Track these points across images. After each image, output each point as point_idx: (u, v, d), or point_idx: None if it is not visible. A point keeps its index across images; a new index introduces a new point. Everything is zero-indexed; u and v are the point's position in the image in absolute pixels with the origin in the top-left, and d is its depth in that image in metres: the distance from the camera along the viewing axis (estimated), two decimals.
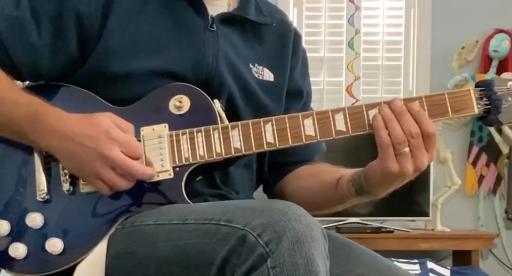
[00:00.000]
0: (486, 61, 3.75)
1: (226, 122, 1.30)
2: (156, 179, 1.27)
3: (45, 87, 1.37)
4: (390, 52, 3.87)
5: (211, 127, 1.29)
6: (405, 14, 3.85)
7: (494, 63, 3.73)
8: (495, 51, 3.71)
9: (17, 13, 1.32)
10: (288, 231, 1.08)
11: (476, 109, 1.28)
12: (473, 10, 3.78)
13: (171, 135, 1.29)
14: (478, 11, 3.77)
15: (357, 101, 3.74)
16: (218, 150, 1.28)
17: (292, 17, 3.79)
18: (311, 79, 1.61)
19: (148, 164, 1.28)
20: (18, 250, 1.28)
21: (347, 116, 1.27)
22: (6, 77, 1.33)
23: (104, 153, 1.22)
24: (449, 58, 3.73)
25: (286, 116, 1.29)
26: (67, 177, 1.29)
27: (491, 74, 3.69)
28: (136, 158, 1.24)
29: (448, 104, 1.27)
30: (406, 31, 3.85)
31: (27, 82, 1.41)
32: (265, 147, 1.28)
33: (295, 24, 1.60)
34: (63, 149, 1.25)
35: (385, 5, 3.86)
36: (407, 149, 1.23)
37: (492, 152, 3.73)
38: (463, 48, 3.73)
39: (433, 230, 3.59)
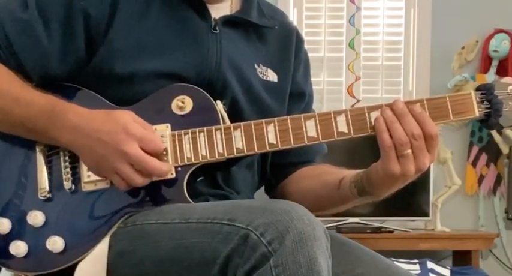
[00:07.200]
0: (486, 61, 3.75)
1: (228, 122, 1.30)
2: (158, 178, 1.28)
3: (46, 88, 1.35)
4: (390, 52, 3.87)
5: (213, 127, 1.29)
6: (405, 14, 3.86)
7: (494, 63, 3.73)
8: (495, 51, 3.71)
9: (25, 16, 1.31)
10: (291, 230, 1.08)
11: (477, 112, 1.28)
12: (473, 10, 3.78)
13: (173, 135, 1.29)
14: (478, 11, 3.77)
15: (357, 101, 3.74)
16: (220, 151, 1.28)
17: (292, 17, 3.79)
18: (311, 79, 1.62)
19: None
20: (19, 248, 1.28)
21: (349, 117, 1.28)
22: (17, 77, 1.32)
23: (121, 149, 1.22)
24: (449, 58, 3.73)
25: (288, 117, 1.29)
26: (69, 175, 1.30)
27: (491, 74, 3.69)
28: (156, 153, 1.25)
29: (449, 107, 1.27)
30: (406, 31, 3.85)
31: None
32: (268, 147, 1.29)
33: (295, 24, 1.60)
34: (82, 144, 1.25)
35: (385, 5, 3.87)
36: (409, 151, 1.24)
37: (492, 152, 3.73)
38: (463, 48, 3.73)
39: (433, 230, 3.59)
